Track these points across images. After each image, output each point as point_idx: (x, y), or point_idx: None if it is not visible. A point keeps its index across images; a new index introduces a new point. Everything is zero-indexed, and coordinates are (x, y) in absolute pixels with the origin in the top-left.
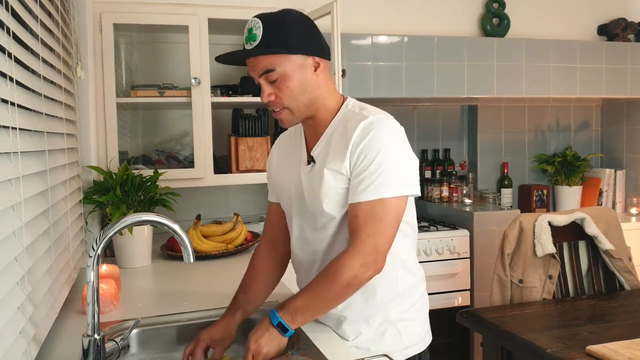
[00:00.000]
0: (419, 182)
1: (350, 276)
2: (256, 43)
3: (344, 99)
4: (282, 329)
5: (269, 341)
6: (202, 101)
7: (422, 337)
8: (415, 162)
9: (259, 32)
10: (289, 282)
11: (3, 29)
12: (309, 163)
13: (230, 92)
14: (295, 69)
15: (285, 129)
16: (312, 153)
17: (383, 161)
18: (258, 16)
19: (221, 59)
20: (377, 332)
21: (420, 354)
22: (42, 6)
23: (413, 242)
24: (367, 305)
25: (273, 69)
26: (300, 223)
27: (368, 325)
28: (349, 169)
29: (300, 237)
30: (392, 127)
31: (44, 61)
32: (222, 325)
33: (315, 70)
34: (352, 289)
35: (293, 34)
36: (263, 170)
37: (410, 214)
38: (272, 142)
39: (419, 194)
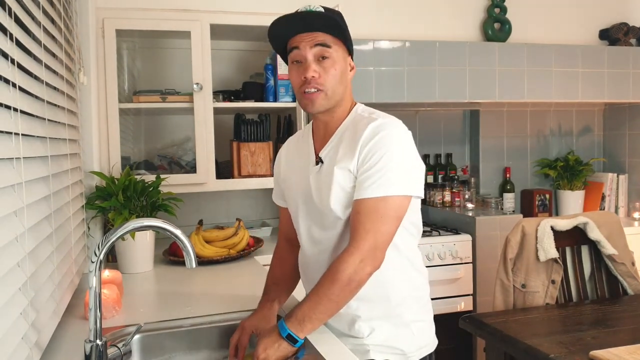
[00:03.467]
0: (423, 185)
1: (350, 272)
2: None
3: (354, 103)
4: (292, 340)
5: (277, 352)
6: (204, 106)
7: (431, 339)
8: (421, 166)
9: (320, 10)
10: None
11: (6, 35)
12: (317, 164)
13: (232, 98)
14: (342, 58)
15: (288, 136)
16: (321, 154)
17: (390, 161)
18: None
19: (281, 21)
20: (391, 332)
21: (431, 354)
22: (45, 12)
23: (417, 242)
24: (380, 304)
25: (330, 45)
26: (308, 224)
27: (382, 323)
28: (356, 166)
29: (309, 238)
30: (400, 129)
31: (47, 67)
32: (263, 315)
33: (350, 70)
34: (354, 285)
35: (347, 29)
36: (265, 176)
37: (417, 214)
38: (274, 147)
39: (422, 195)
